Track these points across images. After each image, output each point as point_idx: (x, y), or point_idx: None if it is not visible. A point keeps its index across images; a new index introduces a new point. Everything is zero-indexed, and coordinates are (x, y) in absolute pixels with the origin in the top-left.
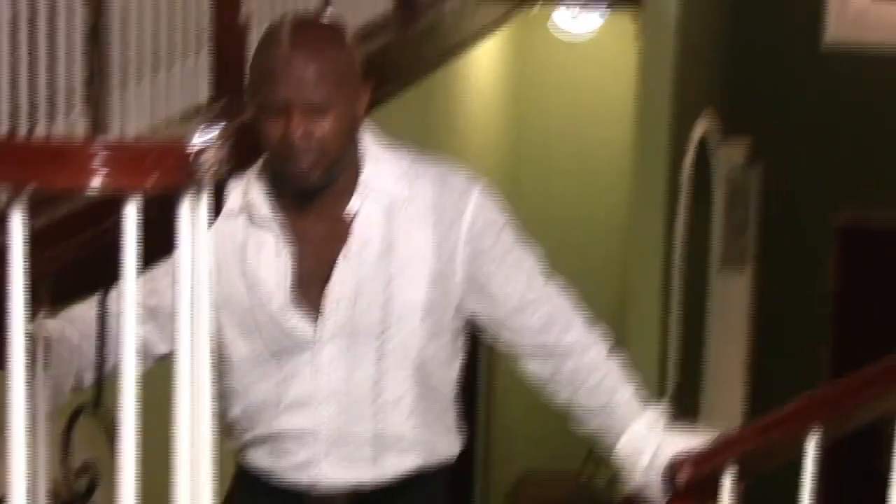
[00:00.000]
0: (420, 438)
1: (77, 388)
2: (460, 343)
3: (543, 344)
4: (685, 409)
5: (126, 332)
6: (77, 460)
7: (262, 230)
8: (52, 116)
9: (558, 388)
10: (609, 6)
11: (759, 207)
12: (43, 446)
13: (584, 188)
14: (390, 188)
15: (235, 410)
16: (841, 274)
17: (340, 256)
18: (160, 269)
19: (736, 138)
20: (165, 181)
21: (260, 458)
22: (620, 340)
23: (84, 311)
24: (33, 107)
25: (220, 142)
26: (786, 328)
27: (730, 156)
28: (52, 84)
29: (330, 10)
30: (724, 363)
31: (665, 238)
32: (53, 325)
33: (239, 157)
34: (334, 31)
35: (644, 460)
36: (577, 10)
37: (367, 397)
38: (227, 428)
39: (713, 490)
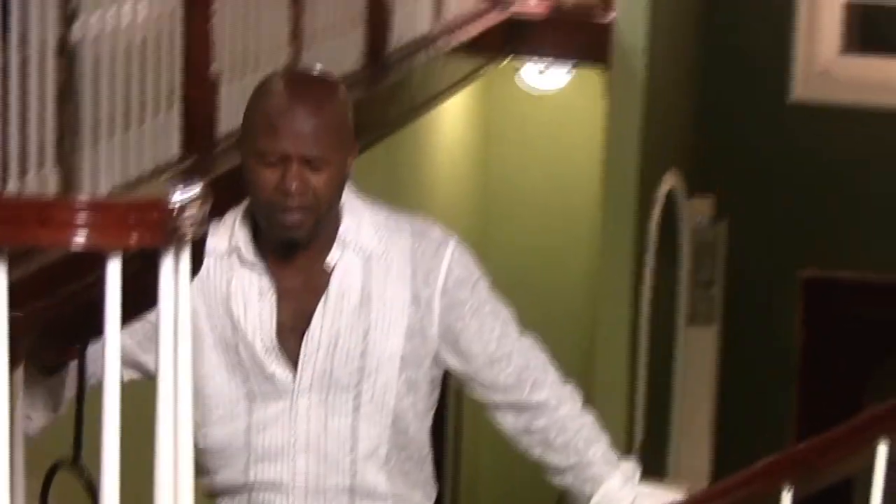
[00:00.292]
0: (395, 491)
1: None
2: (435, 396)
3: (516, 400)
4: (651, 466)
5: (108, 387)
6: None
7: (248, 273)
8: (23, 172)
9: (531, 443)
10: (576, 63)
11: (725, 263)
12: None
13: (552, 242)
14: (368, 241)
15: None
16: (806, 329)
17: (319, 307)
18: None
19: (702, 195)
20: (148, 239)
21: None
22: (587, 397)
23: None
24: (5, 162)
25: (200, 200)
26: (752, 384)
27: (696, 212)
28: (23, 140)
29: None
30: (691, 419)
31: (632, 294)
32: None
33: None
34: (332, 87)
35: None
36: (544, 66)
37: (344, 449)
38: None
39: None
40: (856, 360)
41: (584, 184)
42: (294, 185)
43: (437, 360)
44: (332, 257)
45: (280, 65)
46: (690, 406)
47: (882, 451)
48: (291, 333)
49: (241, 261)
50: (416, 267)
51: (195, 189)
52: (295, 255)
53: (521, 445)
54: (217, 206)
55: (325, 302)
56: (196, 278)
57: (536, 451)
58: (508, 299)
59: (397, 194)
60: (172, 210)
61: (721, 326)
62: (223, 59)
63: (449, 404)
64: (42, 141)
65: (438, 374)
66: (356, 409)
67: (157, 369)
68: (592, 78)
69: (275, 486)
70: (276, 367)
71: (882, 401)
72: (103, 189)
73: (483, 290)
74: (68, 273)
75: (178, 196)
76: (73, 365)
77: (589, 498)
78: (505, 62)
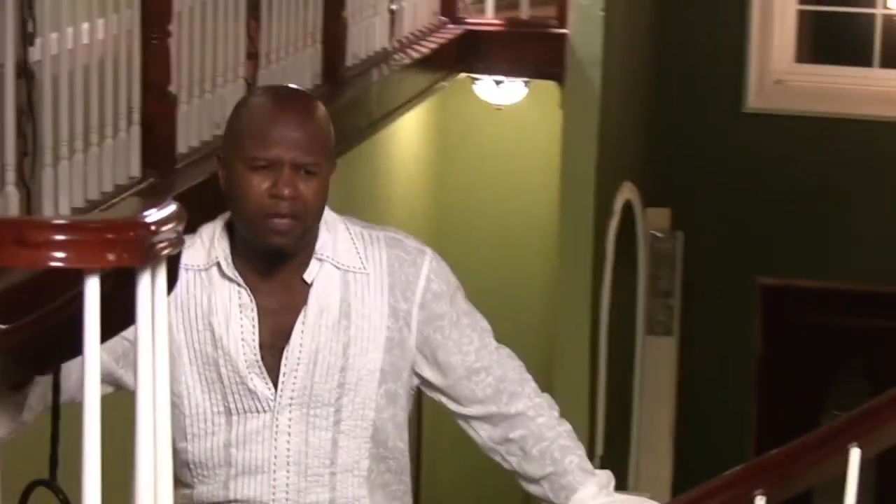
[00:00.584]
0: (378, 501)
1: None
2: (410, 406)
3: (493, 412)
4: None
5: (88, 405)
6: None
7: (228, 287)
8: None
9: (507, 452)
10: (532, 76)
11: (683, 274)
12: None
13: (509, 255)
14: (345, 255)
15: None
16: (765, 337)
17: (298, 323)
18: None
19: (659, 206)
20: (126, 258)
21: None
22: None
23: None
24: None
25: (175, 218)
26: (712, 393)
27: (653, 223)
28: None
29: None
30: (651, 429)
31: (591, 305)
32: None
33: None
34: (315, 100)
35: None
36: (499, 79)
37: (324, 463)
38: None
39: None
40: (815, 368)
41: (541, 196)
42: (286, 191)
43: (413, 372)
44: (311, 272)
45: (238, 83)
46: (651, 416)
47: (855, 455)
48: (271, 349)
49: (222, 275)
50: (394, 280)
51: (170, 207)
52: (273, 271)
53: (495, 456)
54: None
55: (304, 318)
56: (173, 293)
57: (512, 461)
58: None
59: (354, 210)
60: (149, 228)
61: (680, 336)
62: (181, 78)
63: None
64: (2, 162)
65: (415, 384)
66: (336, 423)
67: (135, 386)
68: (548, 91)
69: (255, 501)
70: (258, 382)
71: (842, 407)
72: (64, 209)
73: (461, 301)
74: (38, 292)
75: (155, 214)
76: (39, 379)
77: None
78: (461, 76)
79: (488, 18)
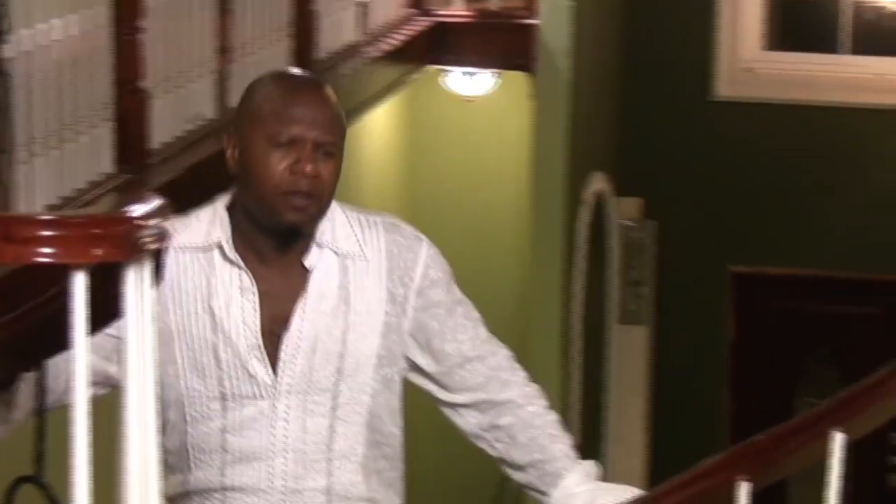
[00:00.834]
0: (369, 491)
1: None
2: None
3: (483, 399)
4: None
5: (77, 402)
6: None
7: (229, 270)
8: None
9: (495, 440)
10: (502, 67)
11: (654, 262)
12: None
13: (481, 246)
14: (344, 241)
15: (166, 452)
16: (737, 325)
17: (298, 308)
18: None
19: (630, 195)
20: (113, 253)
21: None
22: None
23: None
24: None
25: (161, 213)
26: (685, 381)
27: (624, 212)
28: None
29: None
30: (625, 419)
31: (563, 295)
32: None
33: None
34: (331, 91)
35: None
36: (469, 72)
37: (321, 449)
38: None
39: None
40: (787, 355)
41: (512, 187)
42: (309, 168)
43: (406, 358)
44: (311, 259)
45: (210, 77)
46: (623, 405)
47: (838, 439)
48: (270, 335)
49: (223, 257)
50: (393, 264)
51: (155, 202)
52: (275, 255)
53: (481, 443)
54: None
55: (304, 303)
56: (168, 276)
57: (499, 447)
58: None
59: None
60: (135, 223)
61: (652, 325)
62: (153, 74)
63: None
64: None
65: (407, 370)
66: (333, 409)
67: (124, 380)
68: (518, 81)
69: (251, 489)
70: (258, 367)
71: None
72: (38, 206)
73: (456, 290)
74: (22, 289)
75: (140, 209)
76: (27, 376)
77: (548, 495)
78: (431, 68)
79: (457, 10)
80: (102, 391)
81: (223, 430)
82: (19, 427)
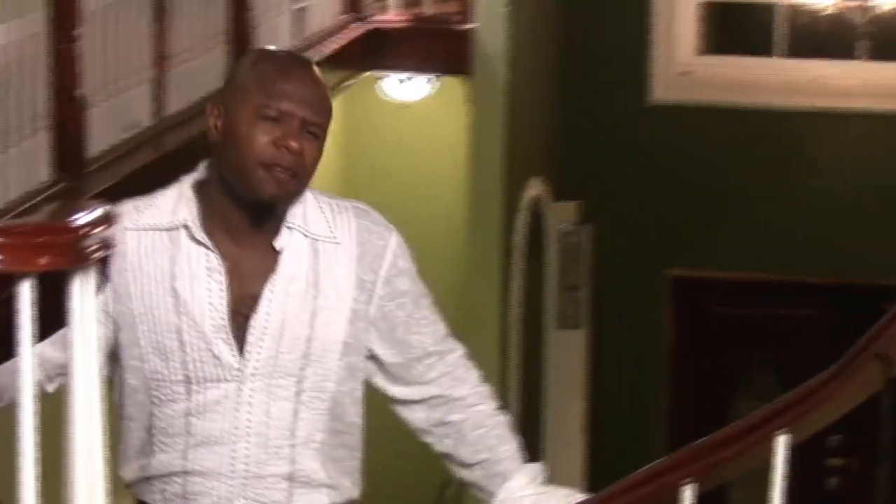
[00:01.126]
0: (329, 478)
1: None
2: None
3: (435, 393)
4: None
5: (24, 408)
6: None
7: (196, 250)
8: None
9: (443, 435)
10: (438, 72)
11: (592, 266)
12: None
13: (419, 250)
14: (315, 224)
15: (133, 436)
16: (676, 329)
17: (266, 290)
18: None
19: (567, 200)
20: (59, 261)
21: (167, 498)
22: None
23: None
24: None
25: (106, 221)
26: (623, 385)
27: (561, 217)
28: None
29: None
30: (563, 423)
31: (501, 300)
32: None
33: None
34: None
35: None
36: (405, 76)
37: (285, 435)
38: (123, 452)
39: None
40: (725, 358)
41: (449, 192)
42: (294, 144)
43: (367, 347)
44: (280, 240)
45: (146, 85)
46: (562, 410)
47: (782, 442)
48: (236, 316)
49: (190, 237)
50: (363, 250)
51: (99, 210)
52: (246, 235)
53: (429, 437)
54: None
55: (272, 285)
56: (128, 258)
57: (447, 443)
58: None
59: None
60: (81, 232)
61: (590, 329)
62: (90, 82)
63: None
64: None
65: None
66: (298, 394)
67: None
68: (455, 87)
69: (213, 473)
70: (224, 348)
71: (752, 397)
72: None
73: (420, 283)
74: None
75: (85, 217)
76: None
77: (493, 495)
78: (367, 74)
79: (393, 15)
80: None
81: (187, 414)
82: None
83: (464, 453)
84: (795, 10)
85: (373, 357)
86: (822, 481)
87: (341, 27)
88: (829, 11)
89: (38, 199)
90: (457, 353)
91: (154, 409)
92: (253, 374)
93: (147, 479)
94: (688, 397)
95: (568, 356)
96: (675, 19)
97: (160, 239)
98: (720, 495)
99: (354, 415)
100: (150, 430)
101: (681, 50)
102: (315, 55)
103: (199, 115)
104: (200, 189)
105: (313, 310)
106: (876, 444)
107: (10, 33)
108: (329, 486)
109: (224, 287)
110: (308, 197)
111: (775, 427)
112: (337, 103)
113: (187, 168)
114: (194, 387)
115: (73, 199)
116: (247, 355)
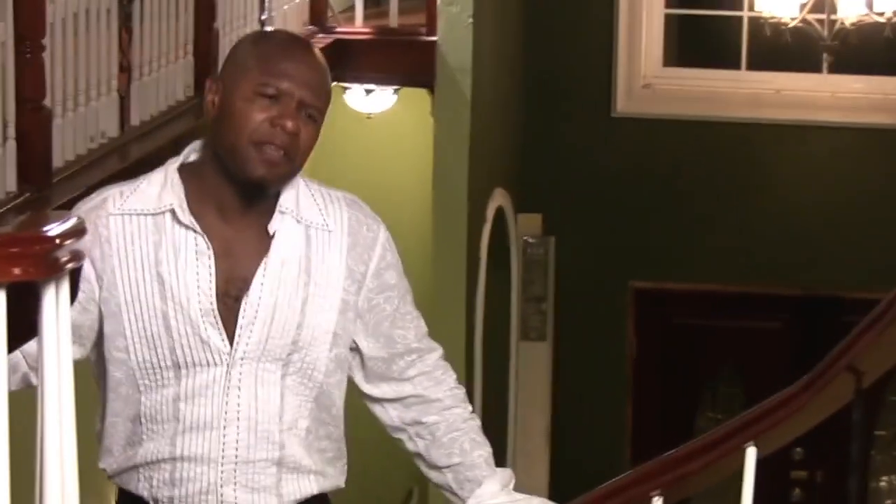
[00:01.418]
0: (316, 463)
1: None
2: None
3: (411, 392)
4: None
5: None
6: None
7: (183, 234)
8: None
9: (416, 435)
10: (402, 84)
11: (555, 279)
12: None
13: None
14: (308, 211)
15: (117, 430)
16: (639, 341)
17: (258, 273)
18: None
19: (531, 211)
20: (31, 272)
21: (154, 485)
22: None
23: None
24: None
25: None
26: (587, 397)
27: (525, 229)
28: None
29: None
30: (527, 435)
31: (465, 313)
32: None
33: None
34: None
35: None
36: (370, 89)
37: (274, 420)
38: (108, 447)
39: None
40: (689, 370)
41: (413, 204)
42: (290, 123)
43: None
44: (273, 224)
45: (111, 96)
46: (526, 422)
47: (751, 454)
48: (225, 299)
49: (176, 222)
50: (354, 240)
51: (72, 220)
52: (237, 214)
53: (401, 435)
54: None
55: (265, 268)
56: (114, 244)
57: (419, 443)
58: None
59: None
60: (54, 242)
61: (554, 341)
62: (55, 92)
63: None
64: None
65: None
66: (283, 377)
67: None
68: (419, 98)
69: (202, 458)
70: (212, 333)
71: (715, 408)
72: None
73: (405, 279)
74: None
75: (58, 228)
76: None
77: (465, 498)
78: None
79: (357, 27)
80: (80, 350)
81: (176, 399)
82: None
83: (436, 455)
84: (758, 23)
85: (354, 349)
86: (787, 493)
87: (306, 38)
88: (794, 24)
89: (3, 209)
90: (436, 353)
91: (142, 396)
92: (242, 358)
93: (133, 468)
94: (652, 409)
95: (532, 368)
96: (638, 32)
97: (145, 224)
98: None
99: (337, 405)
100: (136, 419)
101: (644, 62)
102: None
103: (165, 126)
104: (191, 170)
105: (305, 296)
106: (842, 457)
107: None
108: (318, 472)
109: (212, 270)
110: (300, 183)
111: (745, 439)
112: None
113: None
114: (183, 371)
115: (38, 209)
116: (237, 339)
